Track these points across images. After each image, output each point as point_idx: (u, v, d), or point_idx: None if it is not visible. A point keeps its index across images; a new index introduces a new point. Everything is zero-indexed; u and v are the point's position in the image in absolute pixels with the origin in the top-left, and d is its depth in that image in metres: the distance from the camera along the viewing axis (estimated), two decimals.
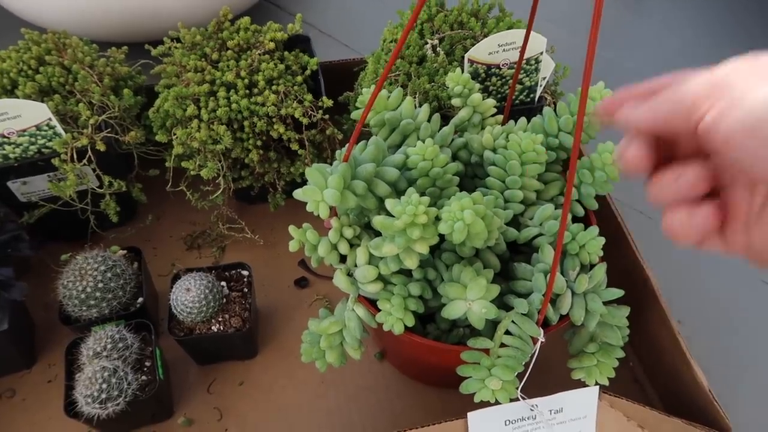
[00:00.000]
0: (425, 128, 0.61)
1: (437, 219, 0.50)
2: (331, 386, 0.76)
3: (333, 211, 0.59)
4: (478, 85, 0.63)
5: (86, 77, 0.79)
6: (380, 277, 0.58)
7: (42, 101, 0.73)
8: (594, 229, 0.57)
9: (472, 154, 0.64)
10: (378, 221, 0.52)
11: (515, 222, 0.61)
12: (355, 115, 0.63)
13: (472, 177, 0.66)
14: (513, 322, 0.55)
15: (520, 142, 0.58)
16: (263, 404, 0.74)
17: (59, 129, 0.74)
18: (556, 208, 0.59)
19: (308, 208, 0.52)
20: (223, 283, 0.74)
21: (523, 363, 0.55)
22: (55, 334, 0.80)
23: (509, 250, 0.62)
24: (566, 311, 0.57)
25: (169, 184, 0.81)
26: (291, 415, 0.74)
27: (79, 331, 0.72)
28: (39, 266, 0.84)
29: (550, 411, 0.59)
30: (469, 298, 0.54)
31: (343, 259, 0.60)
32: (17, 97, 0.75)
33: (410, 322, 0.57)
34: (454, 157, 0.64)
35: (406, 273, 0.58)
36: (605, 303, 0.58)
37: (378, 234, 0.58)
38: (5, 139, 0.73)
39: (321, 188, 0.51)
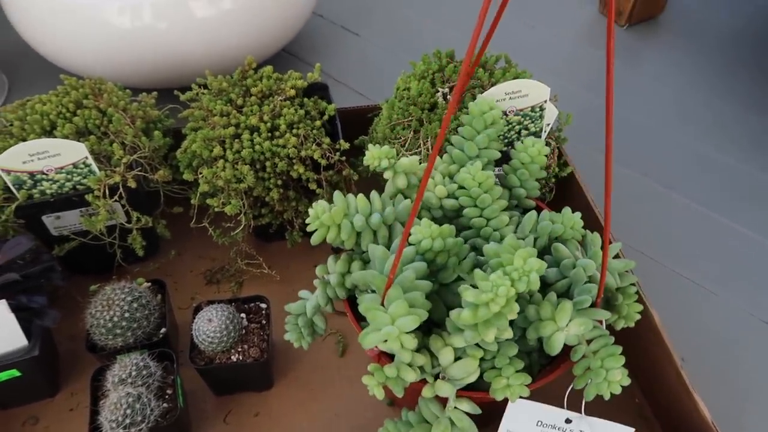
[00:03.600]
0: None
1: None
2: (344, 419, 0.78)
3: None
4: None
5: (120, 120, 0.85)
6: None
7: (79, 141, 0.78)
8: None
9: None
10: (455, 313, 0.54)
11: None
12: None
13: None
14: None
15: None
16: None
17: (94, 167, 0.79)
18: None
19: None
20: (243, 315, 0.78)
21: None
22: (80, 364, 0.83)
23: None
24: None
25: (193, 220, 0.86)
26: None
27: (105, 359, 0.75)
28: (65, 297, 0.88)
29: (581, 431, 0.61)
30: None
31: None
32: (56, 138, 0.81)
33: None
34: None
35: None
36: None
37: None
38: (44, 176, 0.78)
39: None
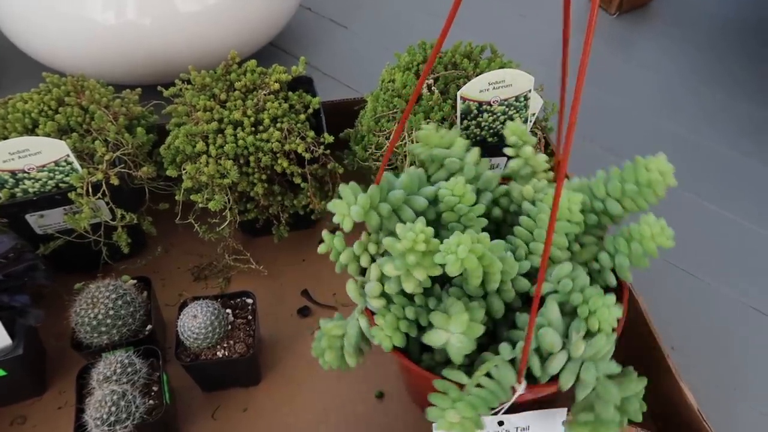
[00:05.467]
0: (469, 169, 0.62)
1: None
2: (332, 413, 0.78)
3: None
4: (534, 139, 0.63)
5: (102, 117, 0.84)
6: (384, 295, 0.61)
7: (61, 139, 0.78)
8: (610, 298, 0.54)
9: (512, 202, 0.64)
10: (386, 241, 0.55)
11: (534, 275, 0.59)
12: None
13: (510, 225, 0.65)
14: (496, 366, 0.57)
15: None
16: (267, 430, 0.76)
17: (76, 165, 0.79)
18: (589, 274, 0.57)
19: (335, 219, 0.56)
20: (229, 311, 0.77)
21: (493, 408, 0.55)
22: (66, 362, 0.82)
23: (525, 303, 0.61)
24: (555, 372, 0.55)
25: (178, 217, 0.85)
26: None
27: (90, 357, 0.75)
28: (51, 296, 0.87)
29: (517, 428, 0.61)
30: (451, 330, 0.55)
31: (362, 272, 0.63)
32: (38, 135, 0.80)
33: (398, 341, 0.60)
34: (495, 203, 0.64)
35: (410, 297, 0.61)
36: (612, 377, 0.56)
37: None
38: (25, 174, 0.78)
39: (349, 204, 0.55)
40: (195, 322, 0.72)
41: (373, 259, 0.63)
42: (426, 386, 0.65)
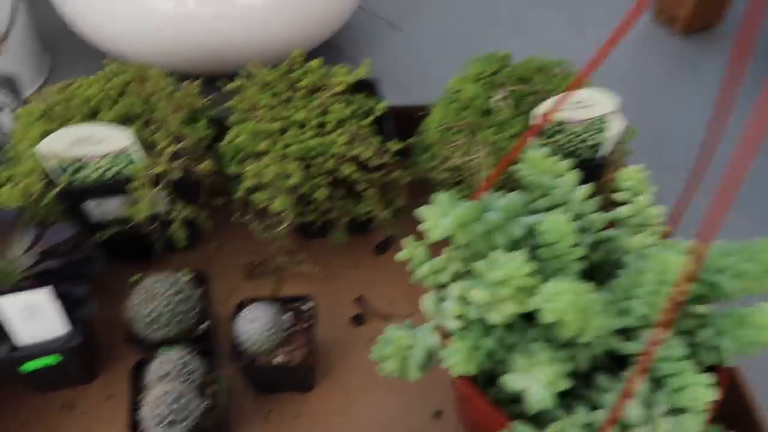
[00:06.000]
0: (575, 206, 0.59)
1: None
2: (386, 426, 0.76)
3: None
4: (651, 189, 0.59)
5: (164, 108, 0.83)
6: (462, 318, 0.59)
7: (122, 128, 0.77)
8: (706, 377, 0.50)
9: (614, 250, 0.60)
10: (479, 265, 0.53)
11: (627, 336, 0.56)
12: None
13: (607, 273, 0.61)
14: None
15: (666, 262, 0.50)
16: None
17: (138, 155, 0.78)
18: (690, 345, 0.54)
19: (423, 226, 0.55)
20: (287, 315, 0.76)
21: None
22: (118, 353, 0.82)
23: (616, 362, 0.58)
24: None
25: (234, 213, 0.84)
26: None
27: (144, 352, 0.74)
28: (104, 284, 0.86)
29: None
30: (533, 378, 0.53)
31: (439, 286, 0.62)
32: (100, 123, 0.79)
33: (472, 369, 0.58)
34: (595, 246, 0.61)
35: (489, 326, 0.59)
36: None
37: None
38: (86, 162, 0.77)
39: (443, 215, 0.53)
40: (253, 327, 0.71)
41: (454, 278, 0.62)
42: (487, 420, 0.63)
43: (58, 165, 0.76)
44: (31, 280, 0.65)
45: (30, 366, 0.70)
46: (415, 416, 0.77)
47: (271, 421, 0.76)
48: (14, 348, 0.67)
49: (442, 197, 0.57)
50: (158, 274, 0.76)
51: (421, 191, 0.89)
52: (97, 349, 0.81)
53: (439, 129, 0.84)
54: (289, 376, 0.75)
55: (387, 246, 0.95)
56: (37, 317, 0.65)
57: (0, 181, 0.78)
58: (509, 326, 0.59)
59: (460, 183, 0.84)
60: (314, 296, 0.81)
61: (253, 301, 0.76)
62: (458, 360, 0.58)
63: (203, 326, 0.76)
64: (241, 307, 0.76)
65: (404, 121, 0.94)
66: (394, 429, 0.76)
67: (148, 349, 0.74)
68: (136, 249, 0.88)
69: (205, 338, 0.75)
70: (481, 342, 0.59)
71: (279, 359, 0.73)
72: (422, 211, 0.57)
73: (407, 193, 0.86)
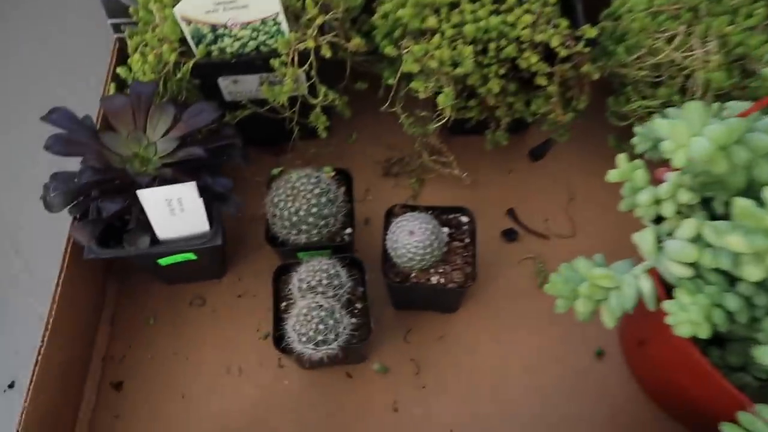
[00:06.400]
0: None
1: None
2: (541, 361, 0.68)
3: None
4: None
5: None
6: (695, 265, 0.47)
7: None
8: None
9: None
10: (742, 205, 0.40)
11: None
12: None
13: None
14: None
15: None
16: (466, 365, 0.68)
17: (285, 26, 0.65)
18: None
19: (664, 146, 0.43)
20: (446, 230, 0.66)
21: None
22: (247, 248, 0.75)
23: None
24: None
25: (386, 105, 0.72)
26: (497, 386, 0.67)
27: (284, 255, 0.67)
28: (229, 171, 0.78)
29: None
30: None
31: (658, 220, 0.50)
32: None
33: (704, 333, 0.47)
34: None
35: (730, 279, 0.47)
36: None
37: (718, 218, 0.47)
38: (226, 31, 0.65)
39: (692, 133, 0.40)
40: (412, 240, 0.61)
41: (679, 211, 0.49)
42: (701, 391, 0.53)
43: (195, 32, 0.65)
44: (173, 170, 0.56)
45: (167, 260, 0.64)
46: (575, 354, 0.68)
47: (410, 341, 0.69)
48: (155, 241, 0.61)
49: (692, 108, 0.43)
50: (301, 170, 0.66)
51: (609, 94, 0.74)
52: (227, 244, 0.75)
53: (646, 13, 0.67)
54: (441, 297, 0.67)
55: (543, 151, 0.82)
56: (179, 212, 0.58)
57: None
58: (761, 284, 0.47)
59: (660, 85, 0.68)
60: (458, 204, 0.70)
61: (405, 209, 0.66)
62: (688, 319, 0.46)
63: (347, 232, 0.67)
64: (391, 214, 0.67)
65: (591, 1, 0.76)
66: (550, 365, 0.68)
67: (289, 252, 0.66)
68: (269, 135, 0.79)
69: (348, 246, 0.67)
70: (722, 299, 0.47)
71: (435, 279, 0.63)
72: (663, 125, 0.43)
73: (591, 94, 0.71)
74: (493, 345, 0.69)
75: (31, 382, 0.58)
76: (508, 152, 0.80)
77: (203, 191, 0.59)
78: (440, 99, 0.65)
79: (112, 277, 0.74)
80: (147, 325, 0.72)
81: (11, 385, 0.70)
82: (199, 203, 0.57)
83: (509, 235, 0.75)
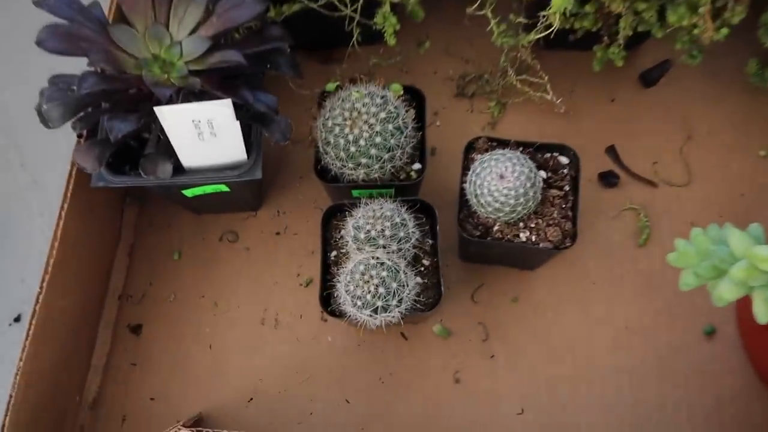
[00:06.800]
0: None
1: None
2: (644, 339, 0.56)
3: None
4: None
5: None
6: None
7: None
8: None
9: None
10: None
11: None
12: None
13: None
14: None
15: None
16: (544, 335, 0.57)
17: None
18: None
19: None
20: (542, 173, 0.52)
21: None
22: (286, 176, 0.63)
23: None
24: None
25: (458, 2, 0.56)
26: (579, 362, 0.56)
27: (337, 192, 0.54)
28: (269, 81, 0.64)
29: None
30: None
31: None
32: None
33: None
34: None
35: None
36: None
37: None
38: None
39: None
40: (502, 185, 0.48)
41: None
42: None
43: None
44: (203, 79, 0.43)
45: (194, 191, 0.52)
46: (678, 331, 0.56)
47: (478, 301, 0.58)
48: (179, 169, 0.48)
49: None
50: (362, 85, 0.52)
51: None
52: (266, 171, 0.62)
53: None
54: (524, 254, 0.54)
55: (659, 75, 0.66)
56: (209, 137, 0.45)
57: None
58: None
59: None
60: (546, 136, 0.56)
61: (491, 143, 0.53)
62: None
63: (415, 168, 0.54)
64: (472, 149, 0.53)
65: None
66: (649, 343, 0.56)
67: (343, 189, 0.54)
68: (320, 38, 0.64)
69: (415, 186, 0.54)
70: None
71: (525, 236, 0.51)
72: None
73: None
74: (579, 313, 0.57)
75: (30, 325, 0.48)
76: (613, 75, 0.65)
77: (241, 110, 0.46)
78: (556, 0, 0.49)
79: (131, 201, 0.63)
80: (170, 261, 0.61)
81: (17, 319, 0.61)
82: (235, 126, 0.44)
83: (608, 179, 0.62)
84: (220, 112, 0.42)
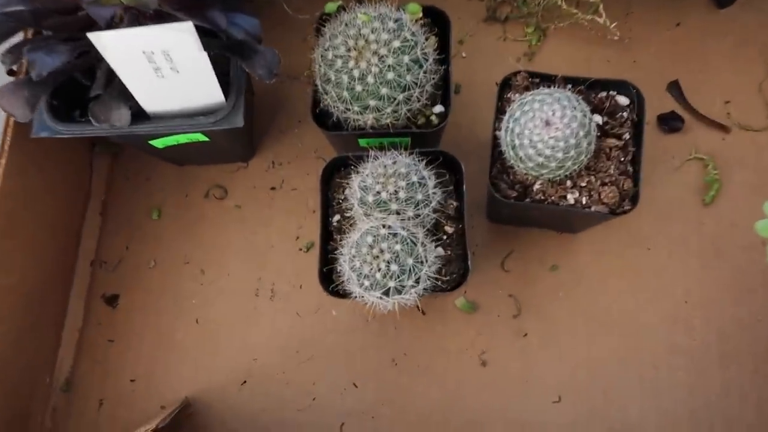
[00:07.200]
0: None
1: None
2: (706, 315, 0.47)
3: None
4: None
5: None
6: None
7: None
8: None
9: None
10: None
11: None
12: None
13: None
14: None
15: None
16: (586, 310, 0.48)
17: None
18: None
19: None
20: (597, 118, 0.42)
21: None
22: (281, 121, 0.53)
23: None
24: None
25: None
26: (627, 342, 0.47)
27: (342, 141, 0.44)
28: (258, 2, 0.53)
29: None
30: None
31: None
32: None
33: None
34: None
35: None
36: None
37: None
38: None
39: None
40: (548, 134, 0.38)
41: None
42: None
43: None
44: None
45: (163, 142, 0.42)
46: (750, 306, 0.48)
47: (509, 270, 0.49)
48: (143, 115, 0.38)
49: None
50: (369, 4, 0.41)
51: None
52: (254, 113, 0.52)
53: None
54: (571, 217, 0.45)
55: None
56: (169, 73, 0.35)
57: None
58: None
59: None
60: (595, 70, 0.46)
61: (533, 79, 0.42)
62: None
63: (437, 111, 0.44)
64: (508, 86, 0.43)
65: None
66: (713, 320, 0.47)
67: (347, 138, 0.44)
68: None
69: (437, 135, 0.44)
70: None
71: (573, 197, 0.41)
72: None
73: None
74: (629, 285, 0.49)
75: None
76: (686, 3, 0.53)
77: (213, 39, 0.35)
78: None
79: (101, 151, 0.54)
80: (149, 221, 0.53)
81: None
82: (202, 60, 0.34)
83: (669, 123, 0.51)
84: (180, 39, 0.32)
